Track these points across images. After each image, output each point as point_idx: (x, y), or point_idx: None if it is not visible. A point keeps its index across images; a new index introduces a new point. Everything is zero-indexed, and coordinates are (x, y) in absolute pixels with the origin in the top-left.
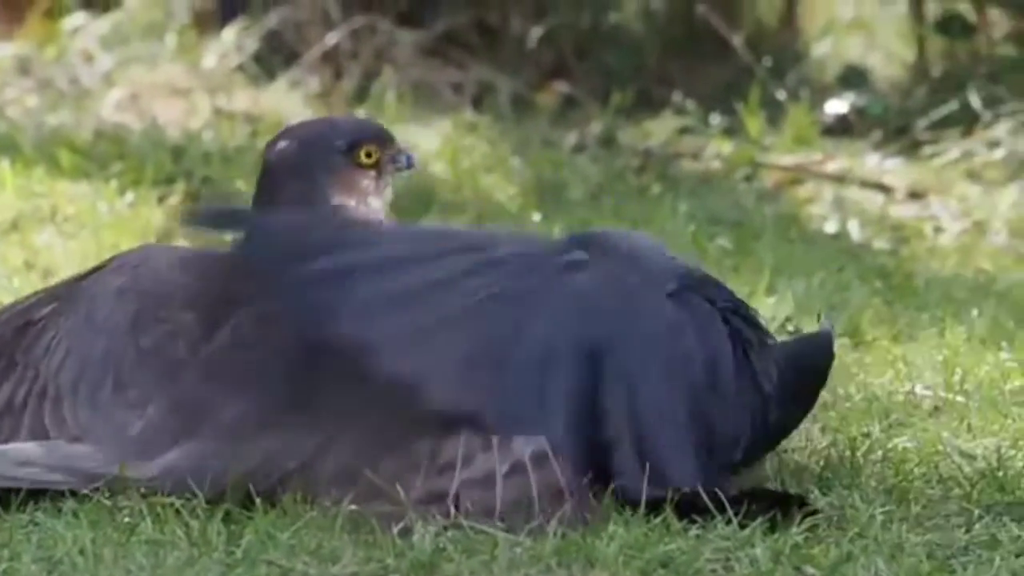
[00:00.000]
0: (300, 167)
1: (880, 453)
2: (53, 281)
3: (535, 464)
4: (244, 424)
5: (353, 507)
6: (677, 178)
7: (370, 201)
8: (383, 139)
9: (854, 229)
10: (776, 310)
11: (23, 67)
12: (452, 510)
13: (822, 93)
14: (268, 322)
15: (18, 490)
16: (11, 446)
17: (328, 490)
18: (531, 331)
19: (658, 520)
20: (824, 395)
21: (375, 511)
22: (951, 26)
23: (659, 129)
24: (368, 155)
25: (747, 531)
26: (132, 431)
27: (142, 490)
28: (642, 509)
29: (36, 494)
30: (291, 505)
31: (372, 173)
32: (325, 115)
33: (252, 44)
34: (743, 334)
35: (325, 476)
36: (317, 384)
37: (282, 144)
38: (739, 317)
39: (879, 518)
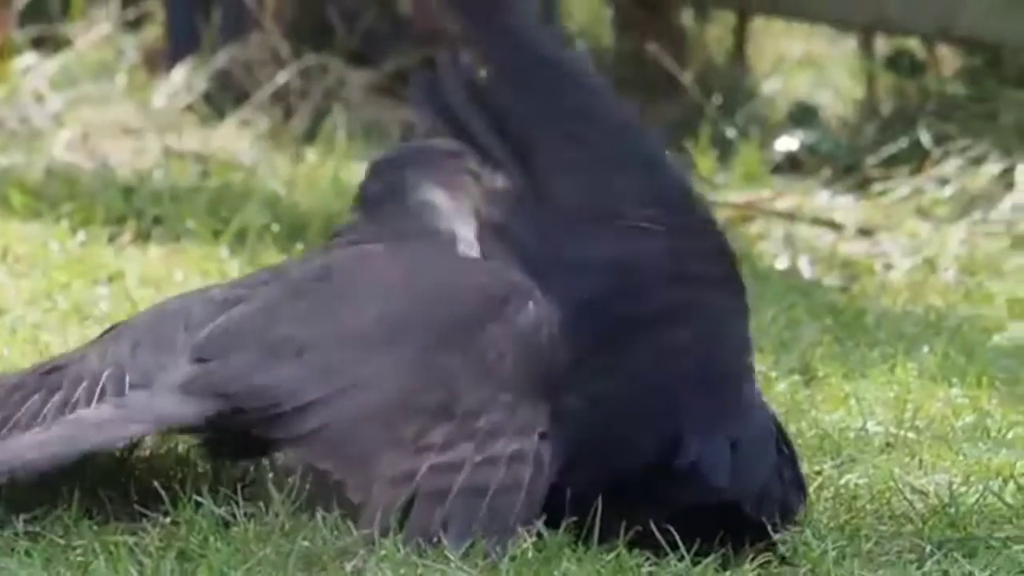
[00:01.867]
0: None
1: (832, 490)
2: (4, 320)
3: (508, 462)
4: (284, 345)
5: (307, 543)
6: None
7: None
8: None
9: (804, 266)
10: None
11: None
12: (412, 490)
13: (772, 130)
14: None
15: None
16: (81, 412)
17: (313, 448)
18: None
19: (611, 557)
20: None
21: (330, 547)
22: (901, 63)
23: None
24: None
25: (700, 567)
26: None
27: (95, 528)
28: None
29: None
30: (244, 543)
31: None
32: (285, 156)
33: (202, 84)
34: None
35: (307, 430)
36: (355, 347)
37: None
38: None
39: (831, 555)
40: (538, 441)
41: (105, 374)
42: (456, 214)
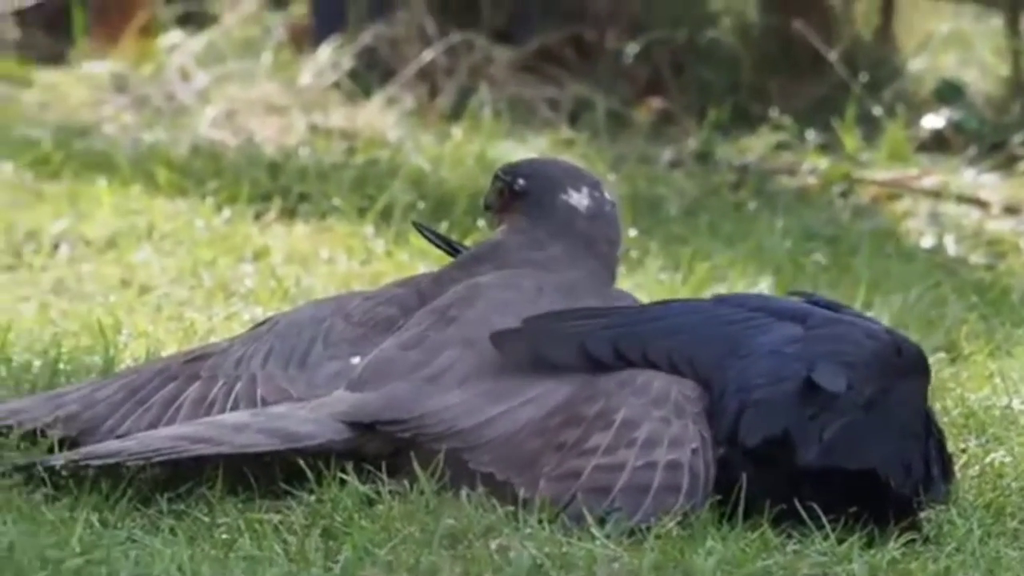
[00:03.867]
0: None
1: (977, 468)
2: (150, 297)
3: (666, 468)
4: (444, 375)
5: (452, 521)
6: (773, 194)
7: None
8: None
9: (950, 244)
10: None
11: (120, 84)
12: (574, 488)
13: (918, 108)
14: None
15: (118, 502)
16: (226, 416)
17: (479, 456)
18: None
19: (755, 535)
20: None
21: (475, 525)
22: None
23: (755, 145)
24: None
25: (844, 546)
26: (338, 378)
27: (239, 506)
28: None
29: (133, 511)
30: (389, 521)
31: None
32: (431, 134)
33: (348, 61)
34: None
35: (483, 441)
36: (514, 365)
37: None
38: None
39: (976, 533)
40: (691, 455)
41: (238, 385)
42: None
